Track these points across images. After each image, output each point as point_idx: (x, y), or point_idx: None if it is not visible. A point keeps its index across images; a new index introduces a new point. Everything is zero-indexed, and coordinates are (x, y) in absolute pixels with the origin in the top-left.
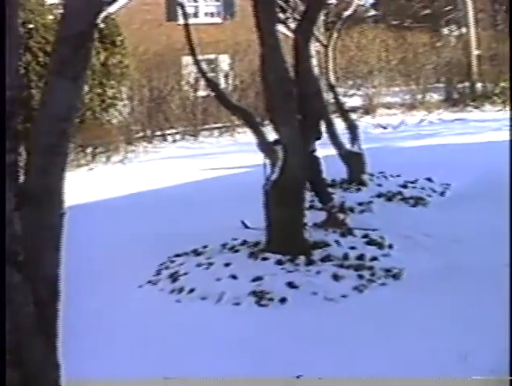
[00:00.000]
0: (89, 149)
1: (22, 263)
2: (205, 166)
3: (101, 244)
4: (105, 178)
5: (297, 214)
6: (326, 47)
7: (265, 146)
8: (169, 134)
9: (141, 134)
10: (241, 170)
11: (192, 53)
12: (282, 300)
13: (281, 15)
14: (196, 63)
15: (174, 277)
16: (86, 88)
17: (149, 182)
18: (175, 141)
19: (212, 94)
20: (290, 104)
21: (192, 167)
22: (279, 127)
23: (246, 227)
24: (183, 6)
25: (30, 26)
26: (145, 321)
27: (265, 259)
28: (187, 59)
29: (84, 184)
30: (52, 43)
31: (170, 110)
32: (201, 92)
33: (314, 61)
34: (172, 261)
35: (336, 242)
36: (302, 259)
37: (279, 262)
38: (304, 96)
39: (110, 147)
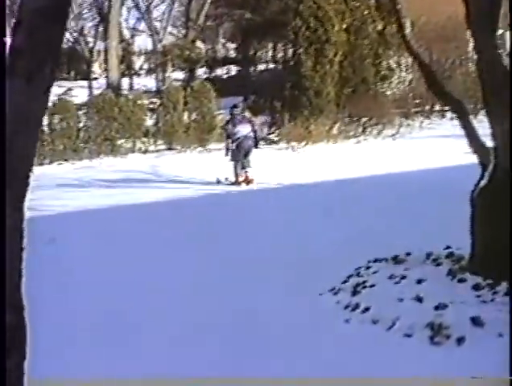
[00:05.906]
0: (361, 121)
1: None
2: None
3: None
4: (371, 153)
5: (507, 228)
6: None
7: (475, 144)
8: (447, 110)
9: (419, 108)
10: None
11: (399, 29)
12: (460, 340)
13: None
14: (404, 39)
15: (356, 290)
16: (358, 59)
17: (412, 162)
18: (452, 118)
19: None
20: (503, 102)
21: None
22: (492, 125)
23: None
24: None
25: None
26: (302, 335)
27: (462, 280)
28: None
29: (351, 157)
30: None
31: (451, 85)
32: None
33: None
34: (368, 268)
35: None
36: (503, 286)
37: (476, 287)
38: None
39: (383, 120)
